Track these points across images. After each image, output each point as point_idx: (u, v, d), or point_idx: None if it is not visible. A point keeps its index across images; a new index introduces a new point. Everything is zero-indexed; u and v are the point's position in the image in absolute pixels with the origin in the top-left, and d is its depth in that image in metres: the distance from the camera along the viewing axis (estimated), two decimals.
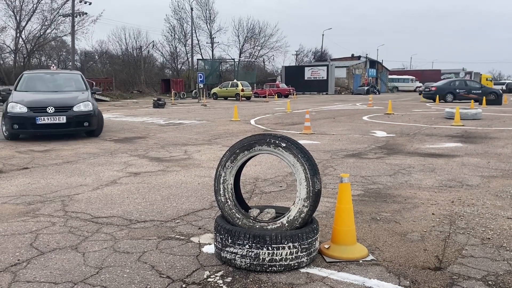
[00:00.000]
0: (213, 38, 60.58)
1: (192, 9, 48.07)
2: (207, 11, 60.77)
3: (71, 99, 9.63)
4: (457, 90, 26.89)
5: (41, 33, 39.35)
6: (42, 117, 8.91)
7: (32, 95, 9.70)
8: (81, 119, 9.30)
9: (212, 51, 60.16)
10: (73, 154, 7.46)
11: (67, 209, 4.13)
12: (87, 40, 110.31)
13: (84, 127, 9.44)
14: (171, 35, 57.89)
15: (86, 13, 38.30)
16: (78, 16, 37.45)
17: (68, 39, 41.25)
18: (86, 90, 10.40)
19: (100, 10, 70.43)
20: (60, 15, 39.06)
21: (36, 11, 38.06)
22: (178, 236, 3.37)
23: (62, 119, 9.05)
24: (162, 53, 58.65)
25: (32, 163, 6.58)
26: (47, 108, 9.02)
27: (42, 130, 9.09)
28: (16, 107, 8.97)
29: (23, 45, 38.82)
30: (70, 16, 36.67)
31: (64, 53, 50.13)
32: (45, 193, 4.75)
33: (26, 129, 9.07)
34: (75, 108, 9.27)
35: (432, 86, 29.34)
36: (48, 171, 6.00)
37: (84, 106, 9.40)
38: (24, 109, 8.93)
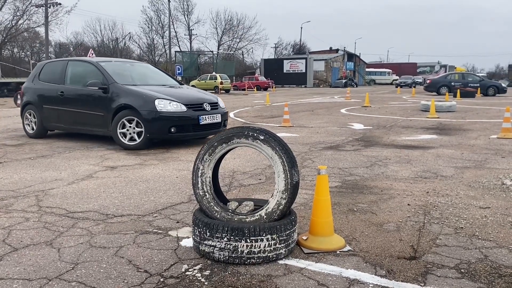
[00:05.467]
0: (191, 30, 60.10)
1: (169, 0, 47.38)
2: (185, 3, 60.18)
3: (207, 94, 8.23)
4: (453, 83, 25.83)
5: (13, 24, 38.23)
6: (204, 116, 7.28)
7: (164, 89, 7.72)
8: (226, 117, 8.00)
9: (190, 43, 59.69)
10: (47, 148, 7.29)
11: (41, 204, 4.04)
12: (62, 32, 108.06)
13: (225, 126, 7.95)
14: (148, 27, 57.32)
15: (60, 4, 37.42)
16: (51, 6, 36.49)
17: (41, 30, 40.29)
18: (183, 84, 8.84)
19: (74, 0, 68.84)
20: (32, 5, 37.98)
21: (7, 1, 36.93)
22: (156, 230, 3.34)
23: (218, 118, 7.57)
24: (139, 45, 57.98)
25: (5, 158, 6.41)
26: (204, 105, 7.46)
27: (203, 132, 7.45)
28: (168, 105, 7.00)
29: None
30: (43, 6, 35.71)
31: (37, 45, 48.86)
32: (18, 188, 4.64)
33: (187, 132, 7.20)
34: (220, 105, 7.91)
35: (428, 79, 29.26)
36: (21, 165, 5.85)
37: (222, 103, 8.06)
38: (183, 107, 7.12)
